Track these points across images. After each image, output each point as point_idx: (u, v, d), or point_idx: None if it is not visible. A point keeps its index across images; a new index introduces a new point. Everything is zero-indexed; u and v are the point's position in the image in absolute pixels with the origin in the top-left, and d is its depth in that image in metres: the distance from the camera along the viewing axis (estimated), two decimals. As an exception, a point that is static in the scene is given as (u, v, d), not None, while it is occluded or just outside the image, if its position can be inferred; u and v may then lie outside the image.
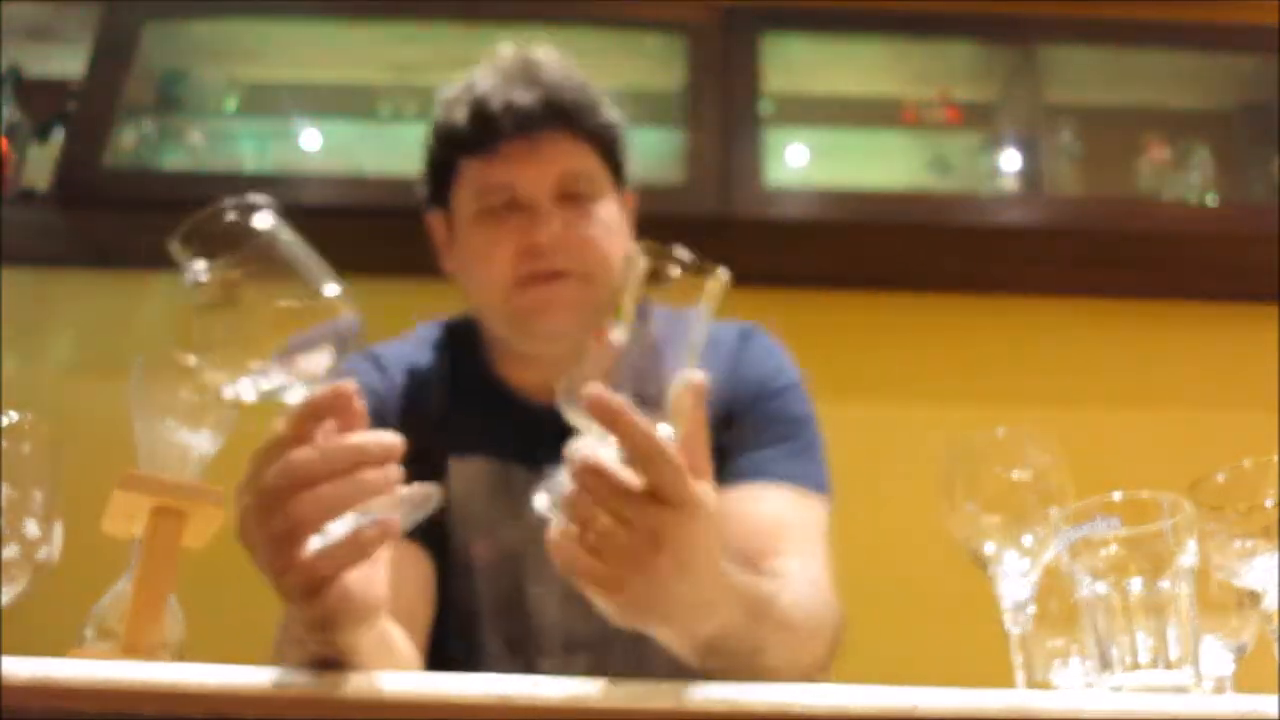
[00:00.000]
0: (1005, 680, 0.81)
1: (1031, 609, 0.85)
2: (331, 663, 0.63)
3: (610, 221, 1.13)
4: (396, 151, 2.16)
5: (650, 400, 0.65)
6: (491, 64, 1.12)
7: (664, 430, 0.64)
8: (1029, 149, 2.14)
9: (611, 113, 1.16)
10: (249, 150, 2.23)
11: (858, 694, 0.55)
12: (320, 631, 0.61)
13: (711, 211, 1.98)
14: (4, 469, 0.70)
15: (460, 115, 1.11)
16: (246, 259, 0.62)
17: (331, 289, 0.64)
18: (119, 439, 0.91)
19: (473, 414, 1.14)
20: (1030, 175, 2.12)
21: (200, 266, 0.62)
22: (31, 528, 0.70)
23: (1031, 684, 0.83)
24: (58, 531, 0.73)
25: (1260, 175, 2.21)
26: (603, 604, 0.68)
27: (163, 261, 0.64)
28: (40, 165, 2.05)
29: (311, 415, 0.60)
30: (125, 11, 2.15)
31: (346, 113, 2.25)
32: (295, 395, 0.63)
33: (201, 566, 0.96)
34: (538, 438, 1.10)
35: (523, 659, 1.07)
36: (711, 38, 2.12)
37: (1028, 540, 0.83)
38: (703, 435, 0.68)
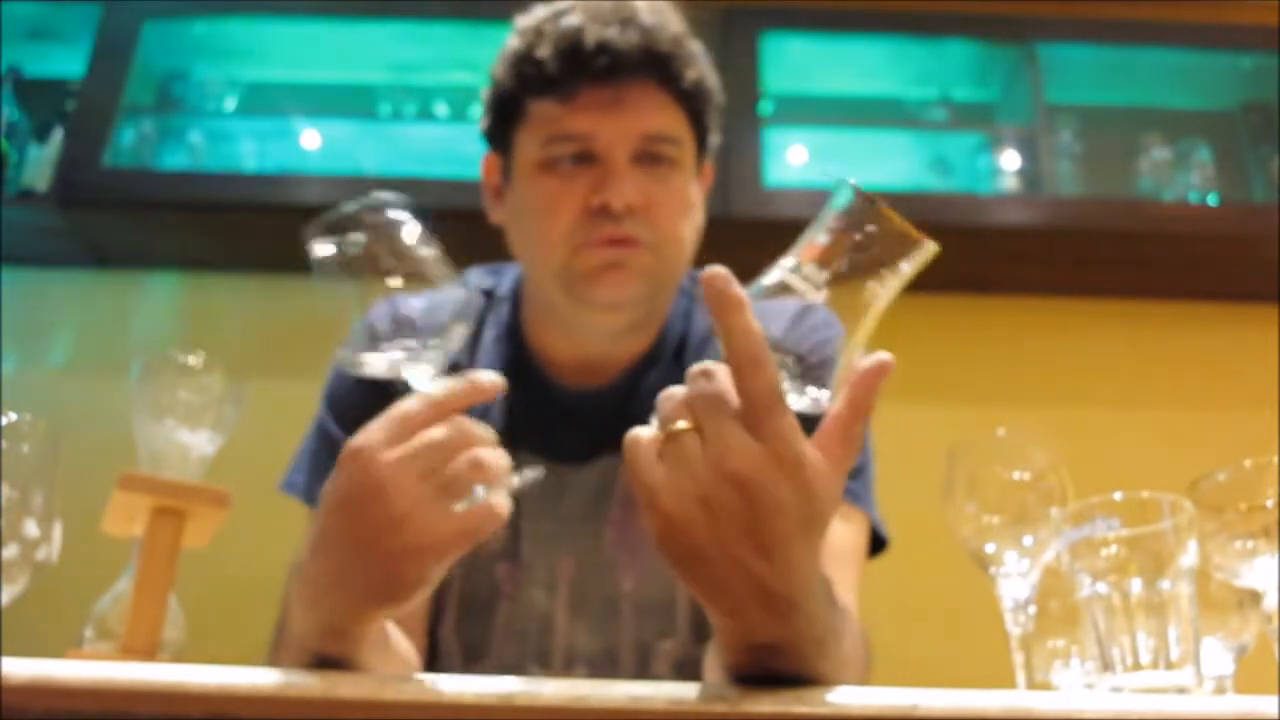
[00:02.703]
0: (1005, 680, 0.81)
1: (1032, 609, 0.85)
2: (331, 663, 0.63)
3: (686, 194, 1.03)
4: (396, 151, 2.16)
5: (811, 367, 0.54)
6: None
7: (819, 395, 0.54)
8: (1029, 149, 2.14)
9: (708, 71, 1.05)
10: (249, 150, 2.23)
11: (858, 694, 0.55)
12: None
13: (711, 211, 1.96)
14: (4, 469, 0.70)
15: (542, 48, 0.98)
16: (379, 245, 0.66)
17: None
18: (119, 439, 0.91)
19: None
20: (1030, 175, 2.12)
21: (334, 244, 0.66)
22: (31, 528, 0.70)
23: (1031, 684, 0.83)
24: (57, 531, 0.73)
25: (1260, 175, 2.21)
26: (659, 547, 0.54)
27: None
28: (40, 165, 2.05)
29: (452, 404, 0.62)
30: (125, 11, 2.15)
31: (346, 113, 2.25)
32: (420, 373, 0.67)
33: (201, 566, 0.96)
34: (558, 421, 1.05)
35: (480, 667, 1.00)
36: (711, 38, 2.11)
37: (1028, 540, 0.83)
38: (859, 427, 0.56)
